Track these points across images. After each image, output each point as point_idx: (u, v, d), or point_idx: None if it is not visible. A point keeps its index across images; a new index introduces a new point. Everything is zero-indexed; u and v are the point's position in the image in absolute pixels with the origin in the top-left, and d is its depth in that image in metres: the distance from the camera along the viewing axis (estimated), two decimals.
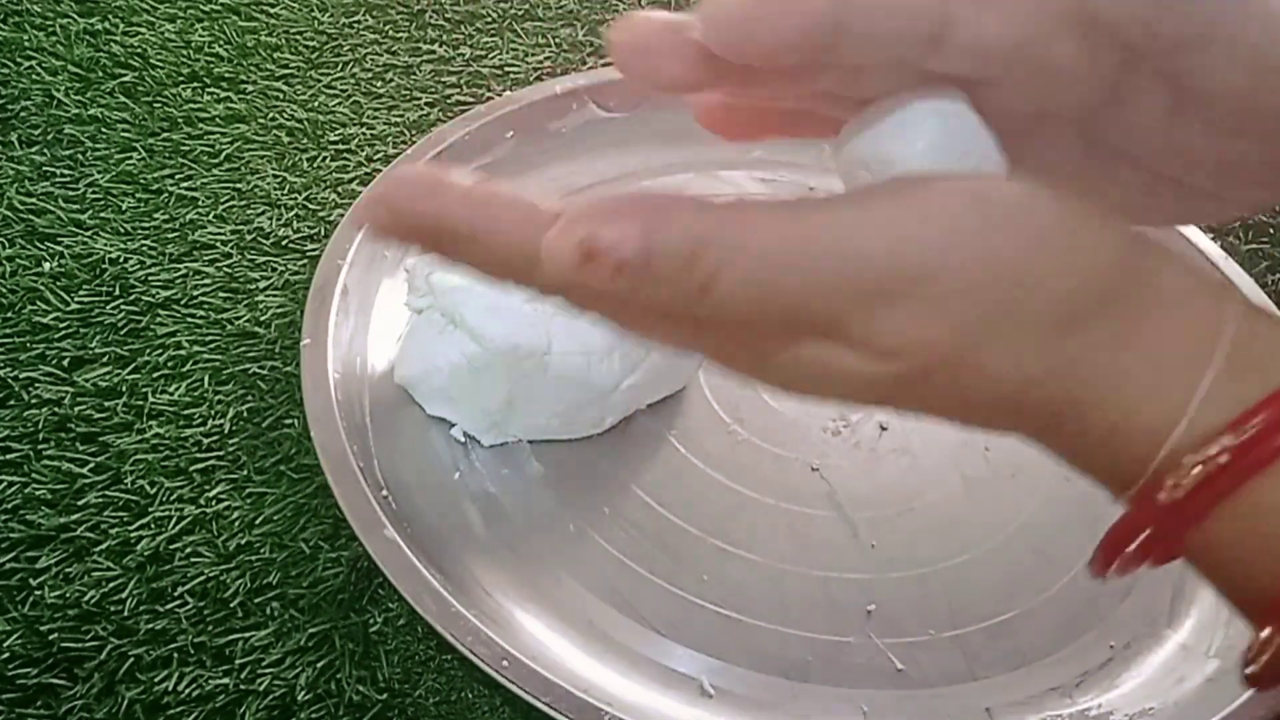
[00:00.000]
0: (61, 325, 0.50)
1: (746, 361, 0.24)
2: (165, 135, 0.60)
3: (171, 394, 0.48)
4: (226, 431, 0.47)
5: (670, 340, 0.25)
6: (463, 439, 0.47)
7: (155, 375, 0.49)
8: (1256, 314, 0.22)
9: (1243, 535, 0.22)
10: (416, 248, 0.24)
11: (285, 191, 0.57)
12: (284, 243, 0.55)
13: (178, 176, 0.57)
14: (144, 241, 0.54)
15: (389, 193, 0.23)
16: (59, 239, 0.53)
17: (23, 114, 0.60)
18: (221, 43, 0.65)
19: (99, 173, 0.57)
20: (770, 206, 0.22)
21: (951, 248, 0.21)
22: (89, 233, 0.54)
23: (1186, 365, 0.22)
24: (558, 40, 0.68)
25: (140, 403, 0.47)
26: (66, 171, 0.57)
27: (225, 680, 0.39)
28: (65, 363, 0.49)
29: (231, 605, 0.41)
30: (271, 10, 0.68)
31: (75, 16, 0.66)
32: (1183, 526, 0.23)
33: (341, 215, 0.54)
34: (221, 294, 0.52)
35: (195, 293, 0.52)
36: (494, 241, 0.23)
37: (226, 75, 0.64)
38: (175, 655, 0.40)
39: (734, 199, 0.22)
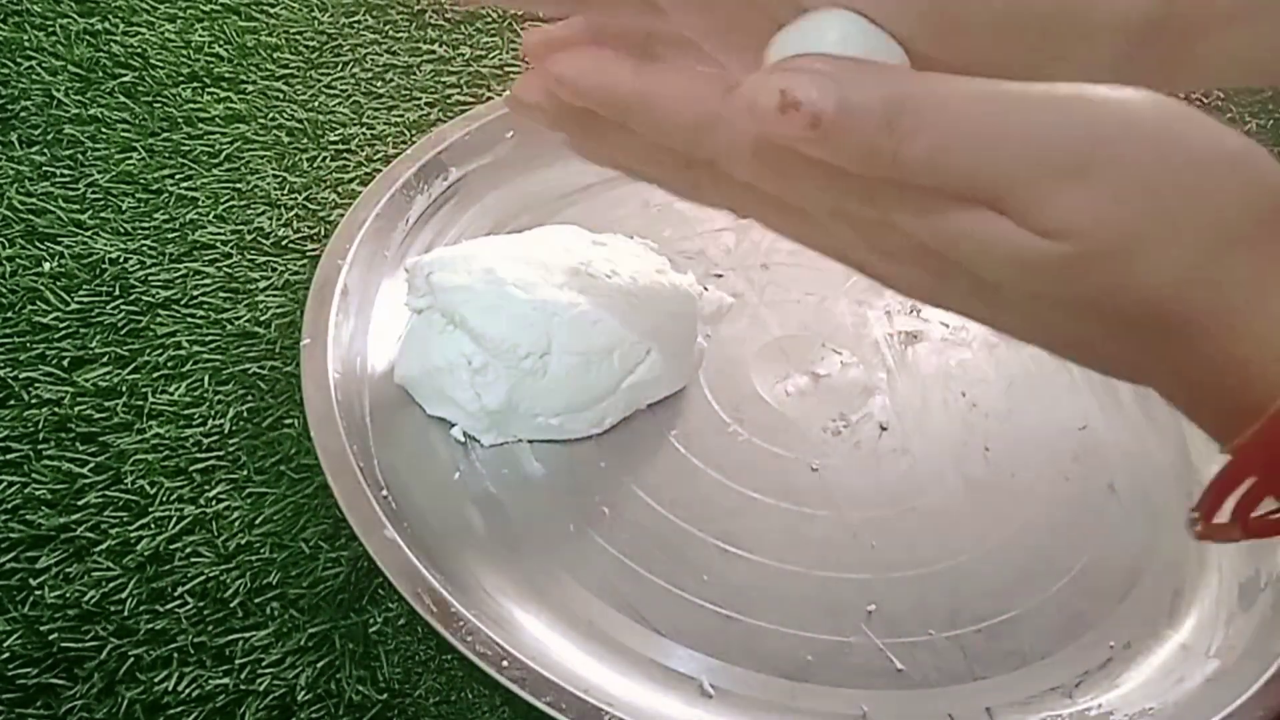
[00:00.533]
0: (61, 325, 0.50)
1: (913, 225, 0.24)
2: (165, 135, 0.60)
3: (171, 394, 0.48)
4: (226, 431, 0.47)
5: (829, 203, 0.25)
6: (463, 439, 0.47)
7: (155, 375, 0.49)
8: None
9: None
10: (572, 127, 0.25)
11: (285, 191, 0.57)
12: (284, 243, 0.55)
13: (178, 176, 0.57)
14: (144, 241, 0.54)
15: (558, 69, 0.24)
16: (59, 239, 0.53)
17: (23, 114, 0.60)
18: (221, 43, 0.65)
19: (99, 173, 0.57)
20: (966, 79, 0.22)
21: (1141, 140, 0.21)
22: (89, 233, 0.54)
23: None
24: None
25: (140, 403, 0.47)
26: (66, 171, 0.57)
27: (225, 680, 0.39)
28: (65, 363, 0.49)
29: (231, 605, 0.41)
30: (271, 10, 0.68)
31: (75, 16, 0.66)
32: None
33: (341, 215, 0.54)
34: (221, 294, 0.52)
35: (195, 293, 0.52)
36: (668, 106, 0.24)
37: (226, 75, 0.64)
38: (175, 655, 0.40)
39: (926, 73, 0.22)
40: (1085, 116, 0.22)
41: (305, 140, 0.60)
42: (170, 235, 0.54)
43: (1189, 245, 0.22)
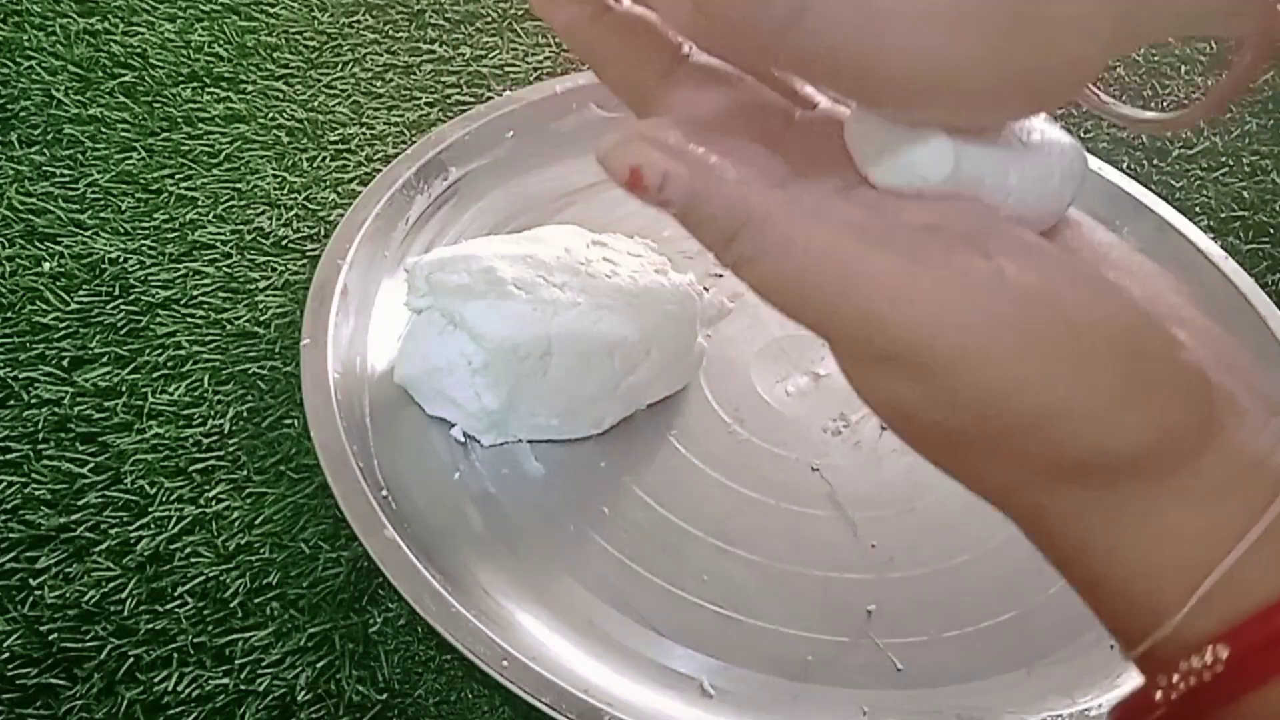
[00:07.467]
0: (61, 325, 0.50)
1: None
2: (165, 135, 0.59)
3: (171, 394, 0.48)
4: (226, 431, 0.47)
5: None
6: (463, 439, 0.47)
7: (155, 375, 0.49)
8: None
9: None
10: None
11: (285, 191, 0.57)
12: (284, 243, 0.55)
13: (178, 176, 0.57)
14: (144, 241, 0.54)
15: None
16: (59, 239, 0.53)
17: (23, 114, 0.60)
18: (221, 43, 0.65)
19: (99, 173, 0.57)
20: (826, 210, 0.21)
21: (977, 358, 0.20)
22: (89, 233, 0.54)
23: (1199, 558, 0.20)
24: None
25: (140, 403, 0.47)
26: (66, 171, 0.57)
27: (225, 680, 0.39)
28: (65, 363, 0.49)
29: (231, 605, 0.41)
30: (271, 10, 0.68)
31: (75, 16, 0.66)
32: (1191, 717, 0.21)
33: (341, 215, 0.53)
34: (221, 294, 0.52)
35: (195, 293, 0.52)
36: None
37: (226, 75, 0.64)
38: (175, 655, 0.40)
39: (792, 183, 0.21)
40: (935, 312, 0.20)
41: (305, 140, 0.60)
42: (170, 235, 0.54)
43: (1023, 472, 0.21)
